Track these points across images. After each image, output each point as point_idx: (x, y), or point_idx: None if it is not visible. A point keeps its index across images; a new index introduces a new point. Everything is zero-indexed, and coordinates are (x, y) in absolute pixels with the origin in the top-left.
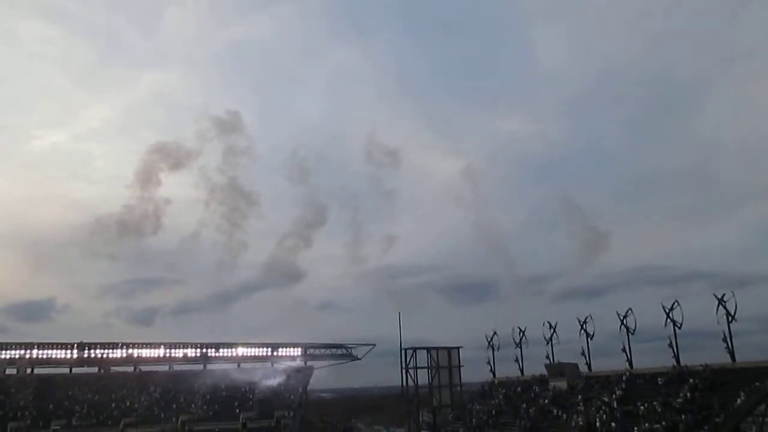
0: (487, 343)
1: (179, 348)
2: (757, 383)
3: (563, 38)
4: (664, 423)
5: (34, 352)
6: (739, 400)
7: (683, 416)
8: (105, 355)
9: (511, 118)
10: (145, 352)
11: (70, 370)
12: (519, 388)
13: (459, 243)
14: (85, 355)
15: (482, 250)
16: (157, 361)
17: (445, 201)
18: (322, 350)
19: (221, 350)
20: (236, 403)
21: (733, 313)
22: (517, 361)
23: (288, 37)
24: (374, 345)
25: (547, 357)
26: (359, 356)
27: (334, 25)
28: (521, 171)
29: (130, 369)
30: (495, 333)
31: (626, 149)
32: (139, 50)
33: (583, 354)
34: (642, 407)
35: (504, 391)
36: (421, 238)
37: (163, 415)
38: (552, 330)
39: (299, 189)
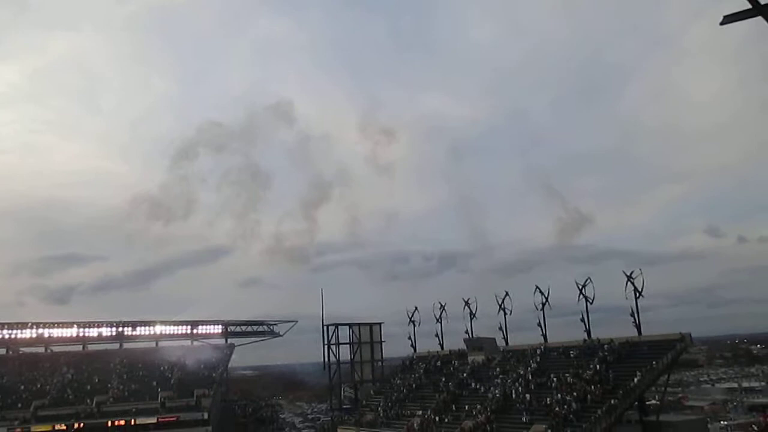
0: (408, 319)
1: (94, 327)
2: (654, 362)
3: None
4: (575, 394)
5: None
6: (636, 379)
7: (593, 387)
8: (13, 336)
9: (435, 94)
10: (57, 332)
11: None
12: (439, 363)
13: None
14: None
15: (406, 229)
16: (70, 341)
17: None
18: (244, 327)
19: (138, 329)
20: (155, 383)
21: (640, 289)
22: (437, 336)
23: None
24: (296, 321)
25: (467, 332)
26: (281, 333)
27: None
28: (445, 146)
29: (41, 350)
30: (416, 309)
31: (551, 129)
32: (49, 9)
33: (500, 329)
34: (555, 379)
35: (424, 365)
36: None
37: (75, 397)
38: (468, 307)
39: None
